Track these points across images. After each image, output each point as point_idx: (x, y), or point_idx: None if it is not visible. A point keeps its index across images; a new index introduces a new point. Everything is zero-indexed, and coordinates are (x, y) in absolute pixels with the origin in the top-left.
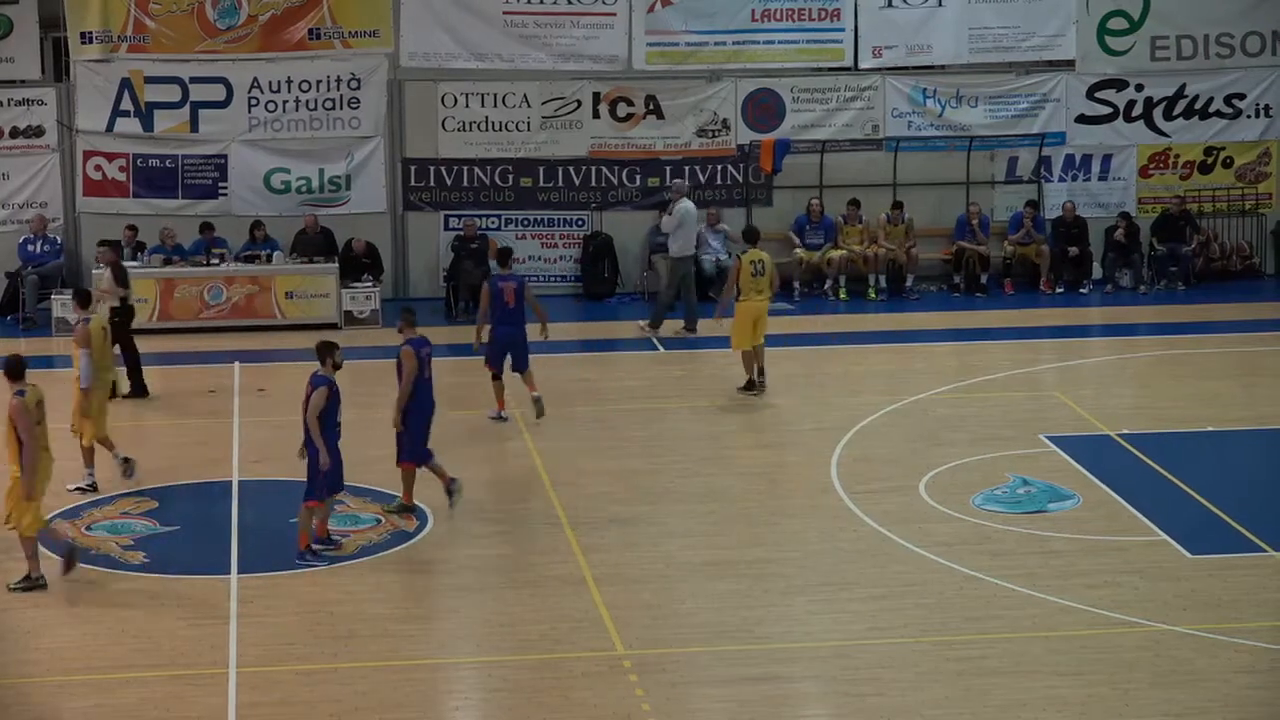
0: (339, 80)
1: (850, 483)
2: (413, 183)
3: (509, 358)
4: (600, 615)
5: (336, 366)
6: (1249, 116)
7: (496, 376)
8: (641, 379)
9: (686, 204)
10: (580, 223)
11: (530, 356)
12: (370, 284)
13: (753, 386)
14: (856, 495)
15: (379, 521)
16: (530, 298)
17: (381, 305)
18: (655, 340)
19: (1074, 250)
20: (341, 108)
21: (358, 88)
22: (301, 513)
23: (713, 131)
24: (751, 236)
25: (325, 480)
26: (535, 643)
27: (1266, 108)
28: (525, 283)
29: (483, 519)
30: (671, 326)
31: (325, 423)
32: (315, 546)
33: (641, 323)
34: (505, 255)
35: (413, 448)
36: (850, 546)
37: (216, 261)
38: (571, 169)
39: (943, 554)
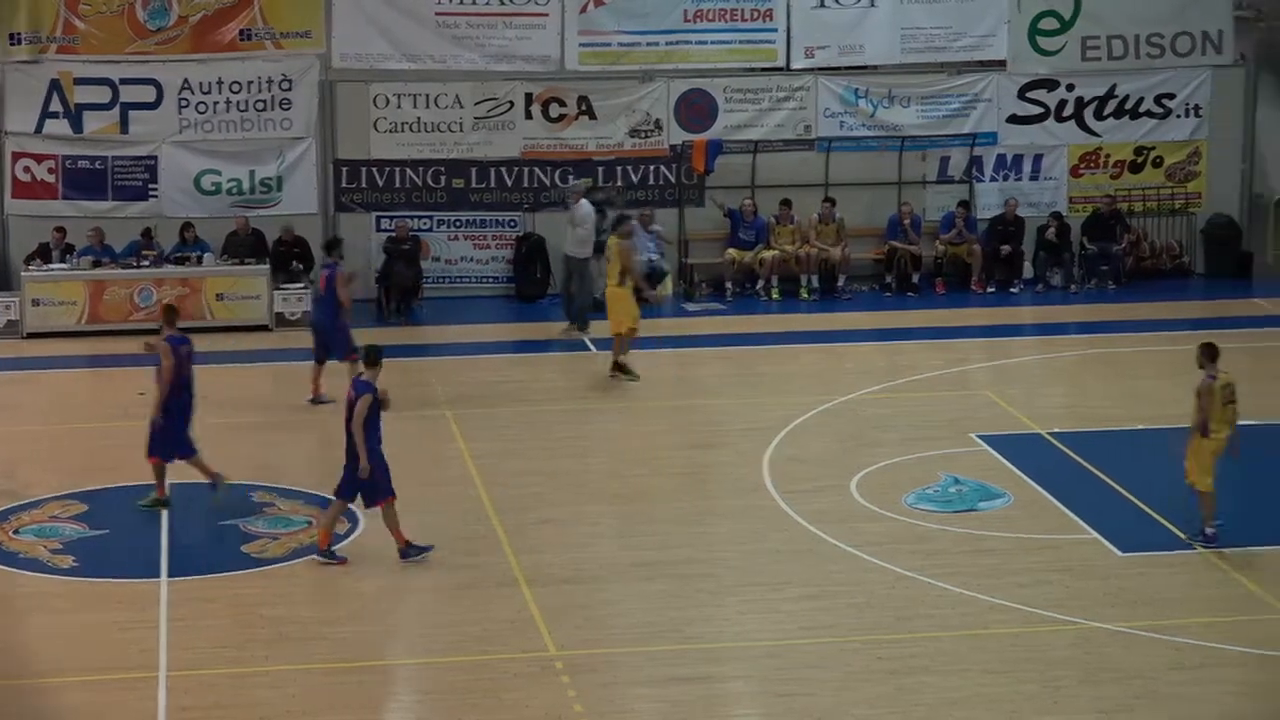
0: (270, 81)
1: (782, 482)
2: (344, 184)
3: (329, 346)
4: (532, 616)
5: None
6: (1179, 116)
7: (318, 361)
8: (572, 379)
9: (585, 204)
10: (513, 224)
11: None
12: (302, 276)
13: (627, 371)
14: (788, 495)
15: (310, 524)
16: (340, 287)
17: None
18: (586, 341)
19: (1006, 249)
20: (273, 109)
21: (289, 89)
22: (386, 513)
23: (645, 132)
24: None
25: (380, 481)
26: (467, 644)
27: (1196, 107)
28: (337, 272)
29: (414, 520)
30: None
31: (369, 429)
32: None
33: (566, 325)
34: (331, 244)
35: (164, 443)
36: (782, 546)
37: (146, 263)
38: (504, 170)
39: (874, 553)
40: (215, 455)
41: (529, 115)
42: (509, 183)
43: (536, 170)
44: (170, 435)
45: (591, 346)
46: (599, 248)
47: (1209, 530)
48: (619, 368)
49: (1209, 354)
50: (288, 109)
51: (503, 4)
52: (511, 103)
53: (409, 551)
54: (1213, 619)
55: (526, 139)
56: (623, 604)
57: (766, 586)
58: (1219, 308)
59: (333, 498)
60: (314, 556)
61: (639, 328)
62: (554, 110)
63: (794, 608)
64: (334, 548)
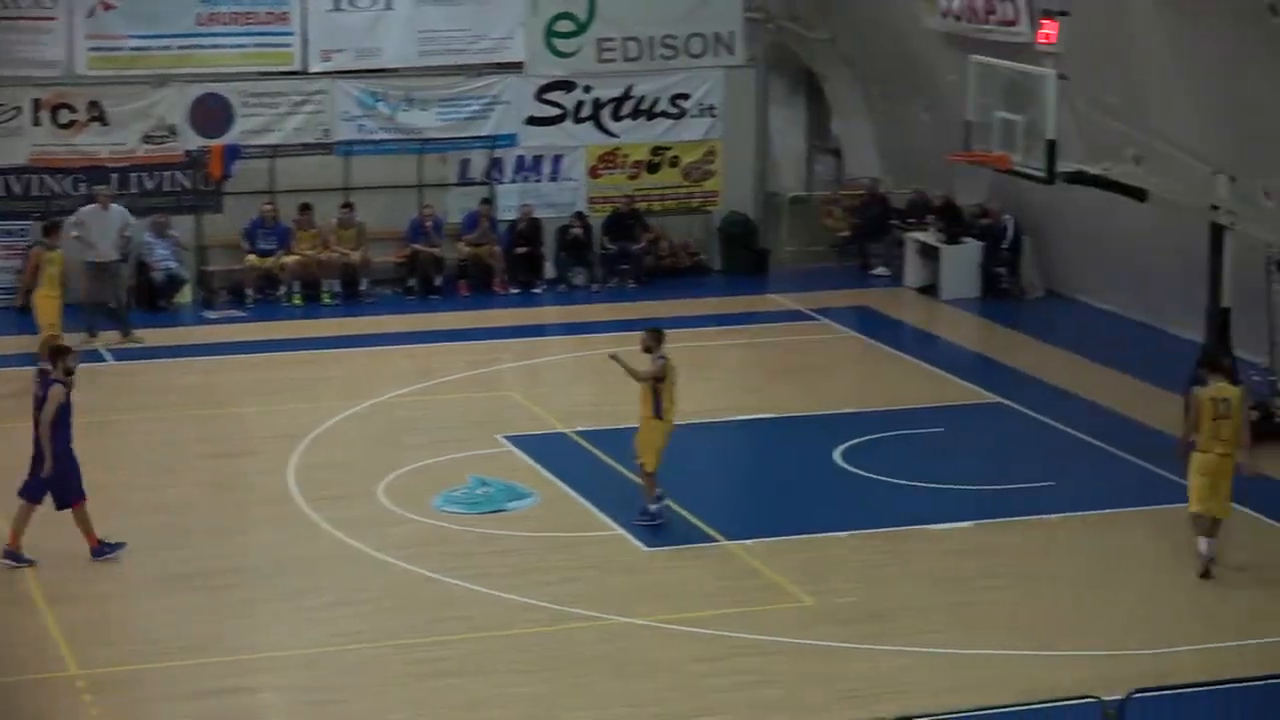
0: None
1: (309, 490)
2: None
3: None
4: (53, 636)
5: (69, 371)
6: (694, 116)
7: None
8: (92, 391)
9: (116, 208)
10: (23, 233)
11: None
12: None
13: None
14: (316, 502)
15: None
16: None
17: None
18: (102, 351)
19: (523, 250)
20: None
21: None
22: (78, 515)
23: (160, 138)
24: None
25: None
26: None
27: (711, 107)
28: None
29: None
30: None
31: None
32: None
33: (118, 335)
34: None
35: None
36: (311, 554)
37: None
38: (12, 178)
39: (403, 557)
40: None
41: (37, 122)
42: (17, 191)
43: (47, 178)
44: None
45: (109, 356)
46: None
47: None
48: None
49: (1209, 365)
50: None
51: (6, 8)
52: (18, 109)
53: (102, 550)
54: (735, 609)
55: (35, 146)
56: (151, 618)
57: (295, 595)
58: (737, 304)
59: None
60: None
61: None
62: (64, 116)
63: (325, 615)
64: None
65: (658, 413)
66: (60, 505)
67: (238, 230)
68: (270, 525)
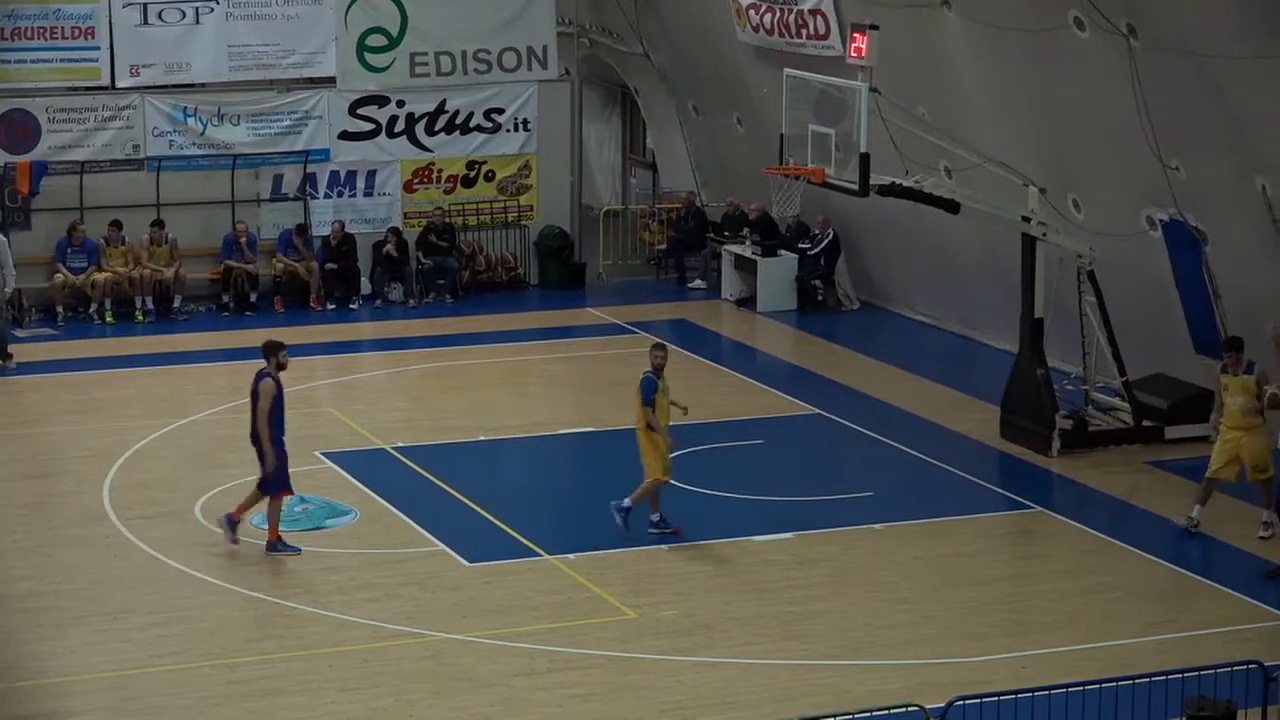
0: None
1: (124, 509)
2: None
3: None
4: None
5: (281, 367)
6: (508, 130)
7: None
8: None
9: None
10: None
11: None
12: None
13: None
14: (130, 522)
15: None
16: None
17: None
18: None
19: (333, 267)
20: None
21: None
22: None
23: None
24: None
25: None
26: None
27: (525, 121)
28: None
29: None
30: None
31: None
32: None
33: None
34: None
35: None
36: (126, 574)
37: None
38: None
39: (222, 576)
40: None
41: None
42: None
43: None
44: None
45: None
46: None
47: None
48: None
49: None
50: None
51: None
52: None
53: (276, 548)
54: (558, 623)
55: None
56: None
57: (112, 616)
58: (554, 318)
59: None
60: None
61: None
62: None
63: (141, 636)
64: None
65: (650, 424)
66: (264, 491)
67: (47, 247)
68: (85, 545)
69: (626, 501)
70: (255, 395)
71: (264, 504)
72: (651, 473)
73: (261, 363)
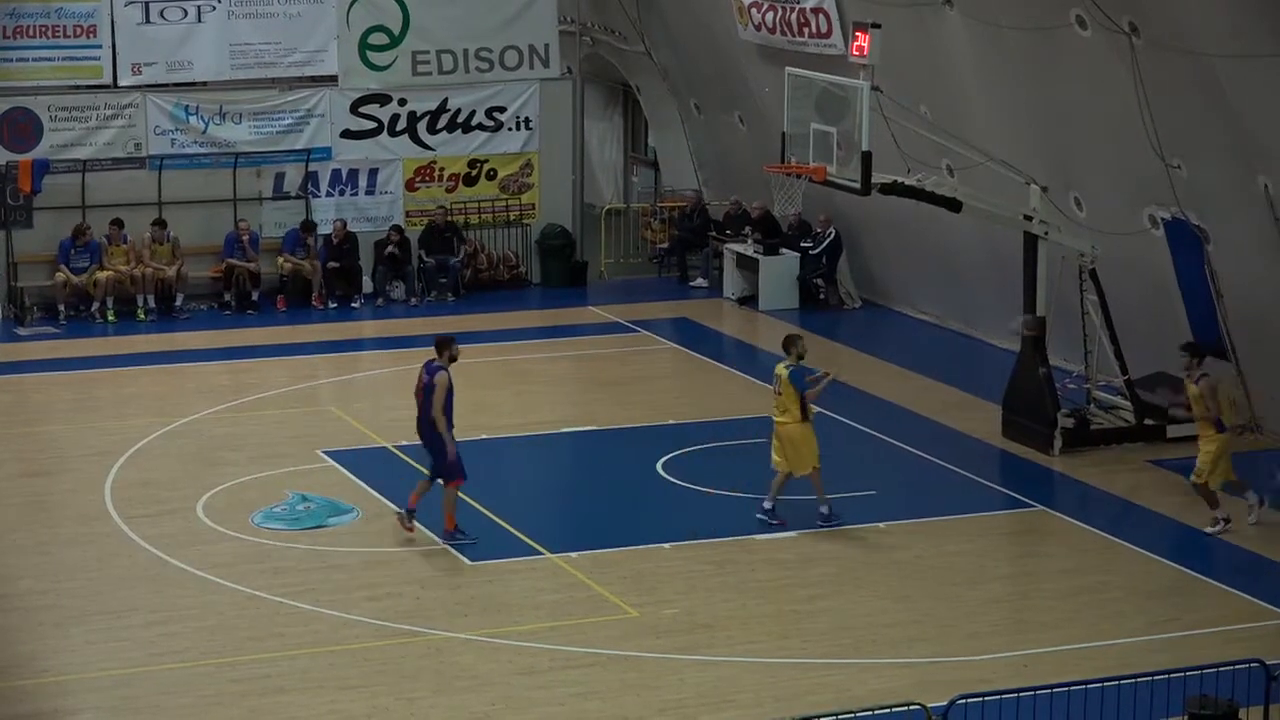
0: None
1: (126, 508)
2: None
3: None
4: None
5: (453, 359)
6: (510, 129)
7: None
8: None
9: None
10: None
11: None
12: None
13: None
14: (132, 520)
15: None
16: None
17: None
18: None
19: (335, 264)
20: None
21: None
22: (447, 493)
23: None
24: None
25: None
26: None
27: (526, 120)
28: None
29: None
30: None
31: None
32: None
33: None
34: None
35: None
36: (127, 573)
37: None
38: None
39: (223, 575)
40: None
41: None
42: None
43: None
44: None
45: None
46: None
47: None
48: None
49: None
50: None
51: None
52: None
53: (455, 536)
54: (560, 622)
55: None
56: None
57: (113, 615)
58: (556, 316)
59: None
60: None
61: None
62: None
63: (142, 635)
64: None
65: (805, 415)
66: (437, 476)
67: (49, 246)
68: (85, 544)
69: (823, 508)
70: (428, 388)
71: (454, 495)
72: (808, 462)
73: (432, 354)
